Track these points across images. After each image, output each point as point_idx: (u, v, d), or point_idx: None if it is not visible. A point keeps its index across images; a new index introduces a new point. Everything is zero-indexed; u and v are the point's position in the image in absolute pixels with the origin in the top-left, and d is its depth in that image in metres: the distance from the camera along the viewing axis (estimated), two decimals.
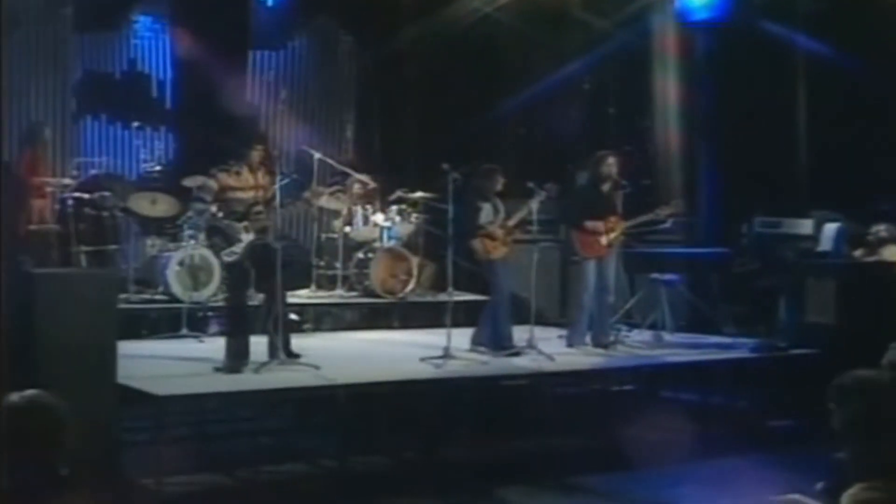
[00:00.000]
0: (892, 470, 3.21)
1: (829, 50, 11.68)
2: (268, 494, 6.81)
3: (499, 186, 9.28)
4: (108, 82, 12.85)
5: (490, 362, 8.59)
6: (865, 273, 9.88)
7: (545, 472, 7.22)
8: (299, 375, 7.59)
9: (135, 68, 13.06)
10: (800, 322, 9.91)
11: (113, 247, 10.46)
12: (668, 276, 10.76)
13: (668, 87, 12.72)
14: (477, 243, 9.08)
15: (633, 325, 10.62)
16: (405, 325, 10.93)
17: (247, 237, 8.08)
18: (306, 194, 9.22)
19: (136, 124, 12.37)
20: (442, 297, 11.27)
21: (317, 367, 7.79)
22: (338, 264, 11.19)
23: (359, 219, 11.28)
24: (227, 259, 8.10)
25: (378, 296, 10.98)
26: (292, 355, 8.02)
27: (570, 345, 9.55)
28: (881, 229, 10.64)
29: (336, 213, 11.45)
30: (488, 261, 9.17)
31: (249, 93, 13.28)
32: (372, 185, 11.60)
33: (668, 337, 10.31)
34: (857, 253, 10.78)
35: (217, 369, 7.78)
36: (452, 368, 8.11)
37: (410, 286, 11.07)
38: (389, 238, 11.20)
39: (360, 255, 11.15)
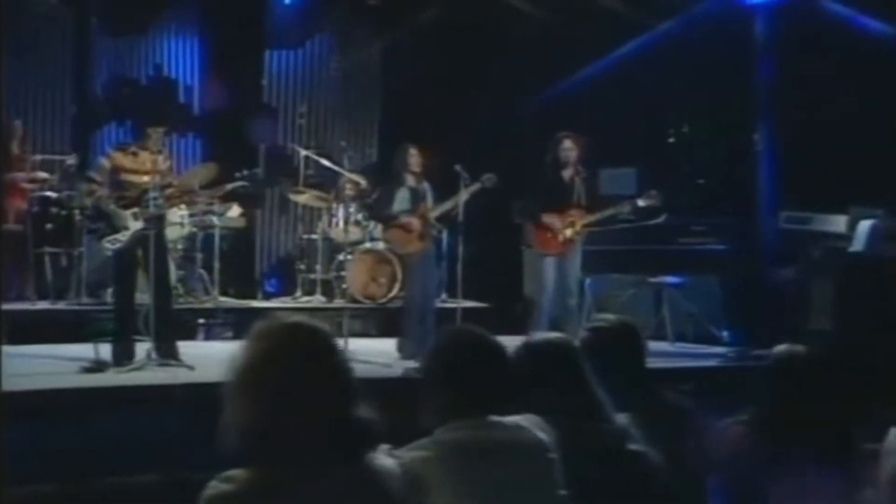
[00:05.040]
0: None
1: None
2: None
3: (416, 168, 8.39)
4: (133, 87, 12.68)
5: (394, 365, 7.74)
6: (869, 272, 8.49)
7: None
8: (159, 375, 6.98)
9: (161, 73, 12.85)
10: (800, 329, 8.65)
11: (81, 249, 10.11)
12: (668, 279, 9.61)
13: (720, 73, 11.55)
14: (390, 235, 8.25)
15: None
16: (385, 332, 10.12)
17: (135, 225, 7.53)
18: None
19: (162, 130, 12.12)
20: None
21: (191, 368, 7.18)
22: (318, 267, 10.54)
23: (340, 219, 10.61)
24: (111, 247, 7.54)
25: (357, 301, 10.26)
26: (172, 356, 7.41)
27: None
28: None
29: (319, 213, 10.82)
30: (404, 255, 8.34)
31: (267, 95, 12.85)
32: (363, 184, 10.90)
33: (654, 346, 9.15)
34: None
35: (85, 369, 7.26)
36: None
37: (394, 291, 10.26)
38: (371, 239, 10.45)
39: (341, 257, 10.47)
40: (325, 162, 10.95)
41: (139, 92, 12.62)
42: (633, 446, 2.97)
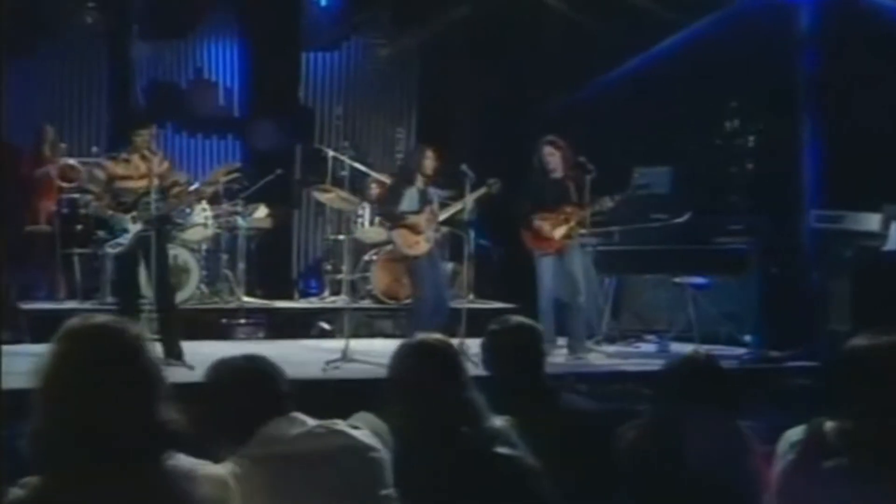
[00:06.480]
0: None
1: None
2: None
3: (428, 170, 8.29)
4: (173, 91, 12.79)
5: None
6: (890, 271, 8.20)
7: None
8: None
9: (201, 76, 12.94)
10: (823, 331, 8.42)
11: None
12: (693, 280, 9.37)
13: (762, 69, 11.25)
14: (396, 235, 8.17)
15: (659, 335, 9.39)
16: (407, 333, 10.04)
17: (134, 228, 7.59)
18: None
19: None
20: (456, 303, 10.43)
21: (191, 368, 7.16)
22: (344, 267, 10.51)
23: (366, 219, 10.56)
24: (112, 251, 7.64)
25: (381, 301, 10.22)
26: (174, 356, 7.44)
27: None
28: None
29: (346, 214, 10.78)
30: (411, 257, 8.25)
31: (303, 96, 12.87)
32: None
33: (677, 347, 8.95)
34: None
35: None
36: (338, 372, 7.31)
37: None
38: None
39: (366, 257, 10.43)
40: (356, 164, 10.92)
41: (180, 96, 12.77)
42: (503, 450, 2.85)
